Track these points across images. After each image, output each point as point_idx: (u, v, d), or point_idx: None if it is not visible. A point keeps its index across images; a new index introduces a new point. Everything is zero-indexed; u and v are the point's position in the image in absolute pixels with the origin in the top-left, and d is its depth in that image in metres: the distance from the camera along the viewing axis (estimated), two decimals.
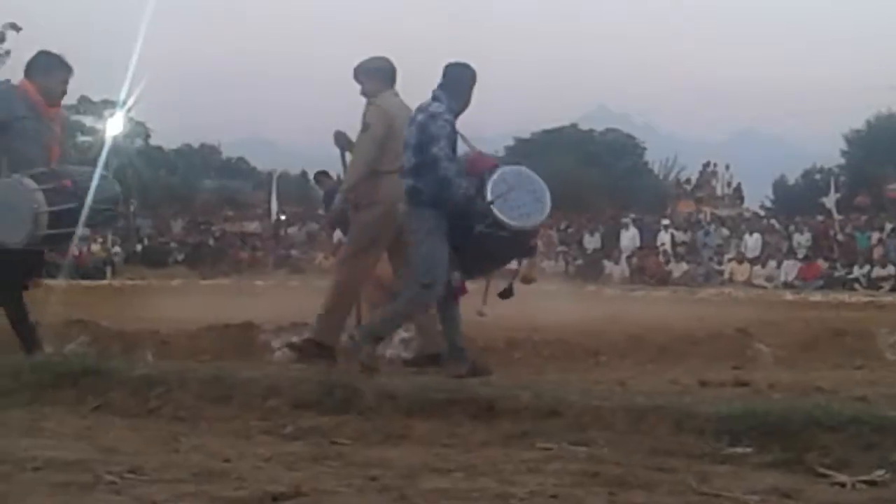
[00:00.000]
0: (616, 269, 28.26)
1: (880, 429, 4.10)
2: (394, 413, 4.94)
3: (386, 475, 3.72)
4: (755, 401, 5.29)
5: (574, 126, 57.19)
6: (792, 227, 30.65)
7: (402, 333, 7.93)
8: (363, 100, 7.43)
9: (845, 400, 5.45)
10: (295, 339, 7.50)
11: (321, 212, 26.61)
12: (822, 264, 27.19)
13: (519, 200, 6.77)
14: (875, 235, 28.23)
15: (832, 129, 54.32)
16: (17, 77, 7.10)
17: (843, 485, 3.64)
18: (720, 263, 28.48)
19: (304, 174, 47.35)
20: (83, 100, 49.60)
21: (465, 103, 6.98)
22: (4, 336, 6.89)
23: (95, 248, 29.64)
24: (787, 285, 25.94)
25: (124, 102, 33.39)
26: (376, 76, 7.54)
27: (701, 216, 33.87)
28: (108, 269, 27.56)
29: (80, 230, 6.90)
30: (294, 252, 31.17)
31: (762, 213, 38.27)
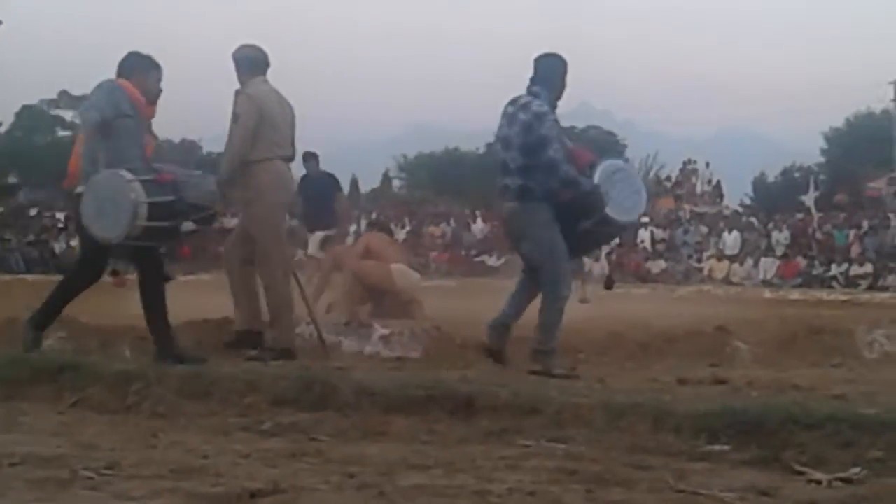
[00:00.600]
0: (595, 267, 28.31)
1: (857, 427, 4.12)
2: (372, 410, 4.94)
3: (364, 472, 3.72)
4: (733, 399, 5.31)
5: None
6: (771, 225, 30.73)
7: (380, 330, 7.94)
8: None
9: (823, 398, 5.47)
10: (253, 352, 7.35)
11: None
12: (800, 262, 27.29)
13: (621, 195, 6.86)
14: (853, 233, 28.36)
15: (812, 127, 54.57)
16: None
17: (819, 482, 3.66)
18: (699, 261, 28.57)
19: None
20: (63, 94, 49.46)
21: (560, 93, 7.05)
22: None
23: (74, 243, 29.54)
24: (766, 283, 26.05)
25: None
26: (244, 65, 7.52)
27: (681, 213, 33.95)
28: None
29: (184, 225, 6.85)
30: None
31: (741, 210, 38.35)
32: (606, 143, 54.51)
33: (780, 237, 29.45)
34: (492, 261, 30.00)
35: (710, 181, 37.91)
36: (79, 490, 3.40)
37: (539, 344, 6.85)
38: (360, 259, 10.53)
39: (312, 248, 13.13)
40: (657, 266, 28.14)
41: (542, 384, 5.78)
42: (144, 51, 7.06)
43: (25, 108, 53.55)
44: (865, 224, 28.76)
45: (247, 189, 7.38)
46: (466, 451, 4.21)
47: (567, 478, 3.67)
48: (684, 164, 38.96)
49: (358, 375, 5.77)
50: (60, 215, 31.05)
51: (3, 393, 5.47)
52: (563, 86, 7.06)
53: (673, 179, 39.51)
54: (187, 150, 55.32)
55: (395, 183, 58.85)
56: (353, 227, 30.08)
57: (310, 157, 13.61)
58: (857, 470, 3.75)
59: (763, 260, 27.56)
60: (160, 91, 7.02)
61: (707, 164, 38.74)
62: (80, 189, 6.75)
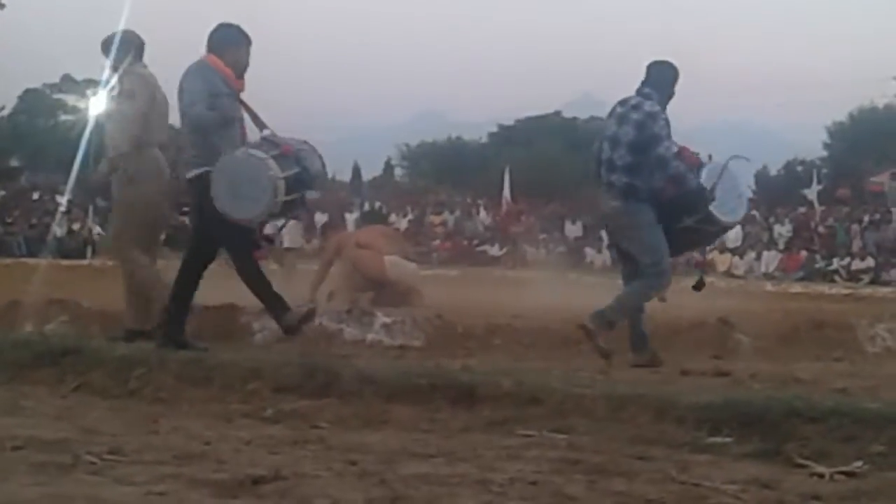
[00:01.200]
0: (598, 258, 28.29)
1: (859, 420, 4.11)
2: (374, 398, 4.94)
3: (366, 460, 3.71)
4: (735, 391, 5.31)
5: (558, 114, 57.34)
6: (773, 219, 30.72)
7: (382, 318, 7.94)
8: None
9: (825, 391, 5.48)
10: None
11: None
12: (802, 255, 27.28)
13: (726, 196, 6.95)
14: (855, 227, 28.35)
15: (815, 121, 54.56)
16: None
17: (821, 476, 3.65)
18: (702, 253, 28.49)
19: None
20: (66, 78, 49.43)
21: (668, 99, 7.12)
22: None
23: (76, 227, 29.56)
24: (768, 276, 26.03)
25: (107, 82, 33.17)
26: (123, 49, 7.37)
27: None
28: (89, 249, 27.41)
29: (309, 194, 6.92)
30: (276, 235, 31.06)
31: None
32: None
33: (783, 230, 29.44)
34: (493, 250, 30.03)
35: None
36: (81, 475, 3.40)
37: (606, 309, 6.86)
38: (356, 249, 10.56)
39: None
40: None
41: (544, 374, 5.77)
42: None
43: (28, 91, 53.54)
44: (866, 219, 28.75)
45: (132, 173, 7.24)
46: (468, 440, 4.21)
47: (569, 468, 3.66)
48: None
49: (360, 363, 5.77)
50: (62, 199, 31.02)
51: (5, 376, 5.47)
52: (672, 93, 7.16)
53: None
54: None
55: (398, 171, 58.87)
56: (355, 215, 30.23)
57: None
58: (859, 464, 3.74)
59: (765, 253, 27.55)
60: (248, 64, 6.91)
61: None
62: (194, 173, 6.69)
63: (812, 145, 54.63)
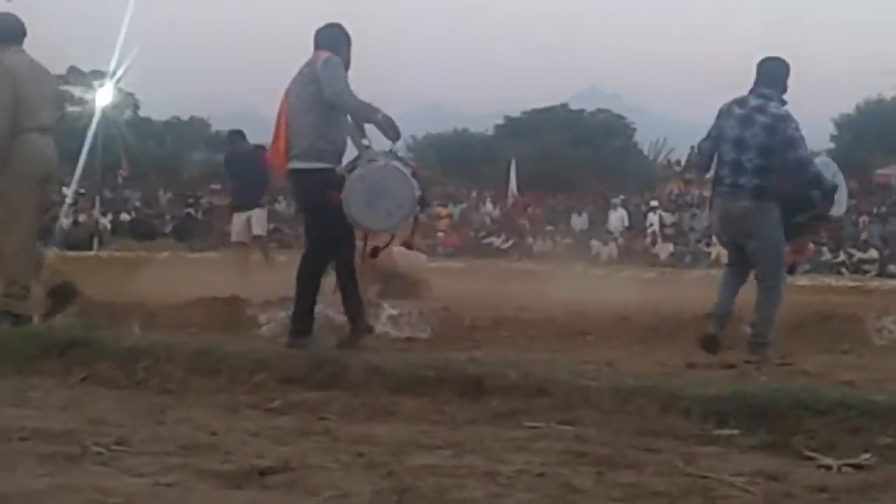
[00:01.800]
0: (604, 250, 28.29)
1: (866, 413, 4.11)
2: (381, 389, 4.94)
3: (373, 451, 3.72)
4: (742, 383, 5.29)
5: (564, 106, 57.21)
6: None
7: (389, 311, 7.95)
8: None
9: (832, 384, 5.47)
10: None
11: None
12: (809, 248, 27.21)
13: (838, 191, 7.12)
14: (862, 220, 28.30)
15: (822, 113, 54.43)
16: None
17: (829, 468, 3.65)
18: (708, 245, 28.51)
19: None
20: (73, 70, 49.41)
21: (783, 94, 7.15)
22: None
23: (83, 218, 29.59)
24: None
25: (114, 73, 33.21)
26: None
27: (689, 198, 33.89)
28: (95, 241, 27.43)
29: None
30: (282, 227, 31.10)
31: None
32: (616, 127, 54.44)
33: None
34: (500, 242, 30.02)
35: None
36: (88, 465, 3.41)
37: (757, 337, 6.97)
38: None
39: (236, 229, 12.98)
40: (665, 250, 28.09)
41: (551, 366, 5.77)
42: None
43: None
44: (874, 211, 28.71)
45: (3, 161, 7.00)
46: (475, 431, 4.21)
47: (576, 460, 3.66)
48: (693, 148, 38.85)
49: (367, 355, 5.77)
50: (68, 191, 31.06)
51: (12, 367, 5.48)
52: (785, 88, 7.19)
53: (682, 163, 39.46)
54: (196, 129, 55.36)
55: None
56: None
57: (234, 135, 13.41)
58: (866, 456, 3.74)
59: None
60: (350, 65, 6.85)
61: None
62: (299, 166, 6.62)
63: (819, 137, 54.52)
